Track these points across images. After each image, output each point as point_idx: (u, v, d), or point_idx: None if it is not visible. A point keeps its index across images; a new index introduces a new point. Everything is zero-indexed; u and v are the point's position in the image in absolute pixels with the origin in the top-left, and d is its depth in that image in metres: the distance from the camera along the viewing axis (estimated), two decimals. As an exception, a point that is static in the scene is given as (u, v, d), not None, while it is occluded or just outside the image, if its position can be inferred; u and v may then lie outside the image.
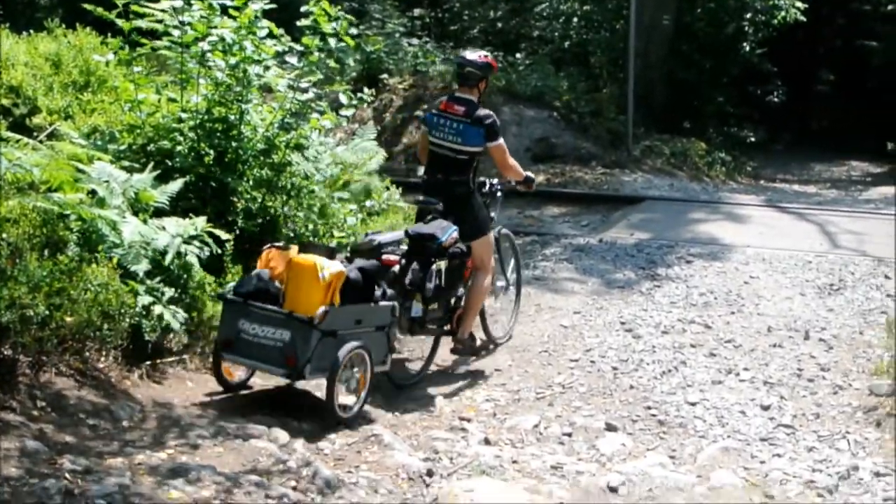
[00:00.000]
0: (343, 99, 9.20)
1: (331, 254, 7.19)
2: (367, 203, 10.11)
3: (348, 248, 8.53)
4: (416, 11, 29.92)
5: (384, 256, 7.95)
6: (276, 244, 7.41)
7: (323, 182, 9.12)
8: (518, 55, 25.53)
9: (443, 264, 8.10)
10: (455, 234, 8.02)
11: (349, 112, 9.25)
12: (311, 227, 8.81)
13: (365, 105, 10.31)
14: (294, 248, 7.25)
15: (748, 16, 25.64)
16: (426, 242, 7.88)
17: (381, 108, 20.87)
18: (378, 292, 7.33)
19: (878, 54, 34.43)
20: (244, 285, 7.01)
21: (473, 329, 8.68)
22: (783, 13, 25.08)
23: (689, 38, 24.97)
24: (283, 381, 7.14)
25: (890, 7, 32.56)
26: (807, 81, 38.22)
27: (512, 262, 9.60)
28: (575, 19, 25.62)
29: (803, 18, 25.42)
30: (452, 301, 8.49)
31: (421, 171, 8.73)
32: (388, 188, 10.62)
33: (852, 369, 8.32)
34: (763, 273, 11.29)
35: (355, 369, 7.00)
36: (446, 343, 8.62)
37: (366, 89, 9.66)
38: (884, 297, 10.40)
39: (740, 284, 10.82)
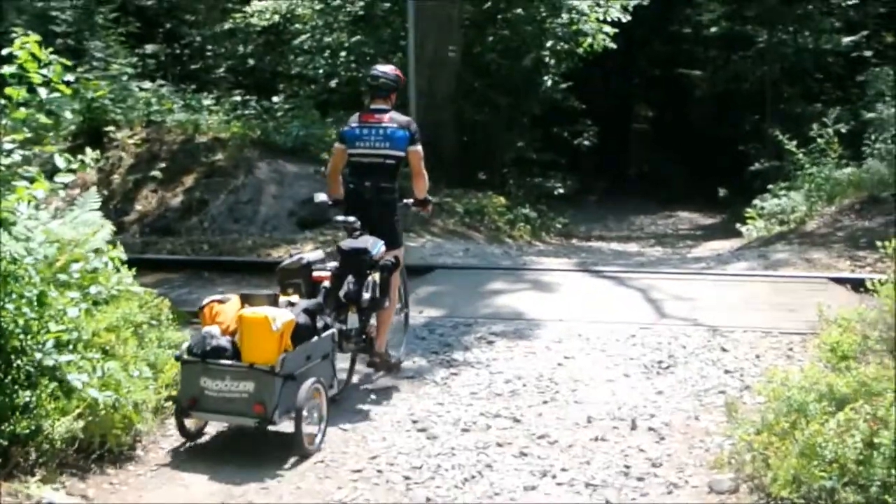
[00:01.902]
0: (59, 162, 9.05)
1: (274, 300, 8.96)
2: (92, 290, 9.91)
3: (277, 270, 9.90)
4: (149, 48, 29.71)
5: (315, 273, 9.78)
6: (216, 298, 9.07)
7: (35, 265, 8.92)
8: (275, 99, 25.59)
9: (376, 276, 9.85)
10: (383, 248, 9.86)
11: (67, 178, 9.11)
12: (21, 322, 8.58)
13: (87, 168, 10.17)
14: (235, 300, 9.00)
15: (549, 44, 26.20)
16: (360, 256, 9.64)
17: (108, 168, 20.64)
18: (320, 324, 9.04)
19: (701, 84, 35.73)
20: (199, 345, 8.54)
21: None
22: (589, 40, 25.73)
23: (481, 73, 25.46)
24: None
25: (713, 29, 33.39)
26: (622, 119, 39.42)
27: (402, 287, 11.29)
28: (343, 53, 25.84)
29: (613, 46, 26.13)
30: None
31: (321, 197, 10.65)
32: (118, 270, 10.43)
33: (688, 463, 8.49)
34: (579, 352, 11.51)
35: (314, 401, 8.71)
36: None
37: (88, 150, 9.51)
38: (721, 373, 10.67)
39: (553, 367, 10.99)
